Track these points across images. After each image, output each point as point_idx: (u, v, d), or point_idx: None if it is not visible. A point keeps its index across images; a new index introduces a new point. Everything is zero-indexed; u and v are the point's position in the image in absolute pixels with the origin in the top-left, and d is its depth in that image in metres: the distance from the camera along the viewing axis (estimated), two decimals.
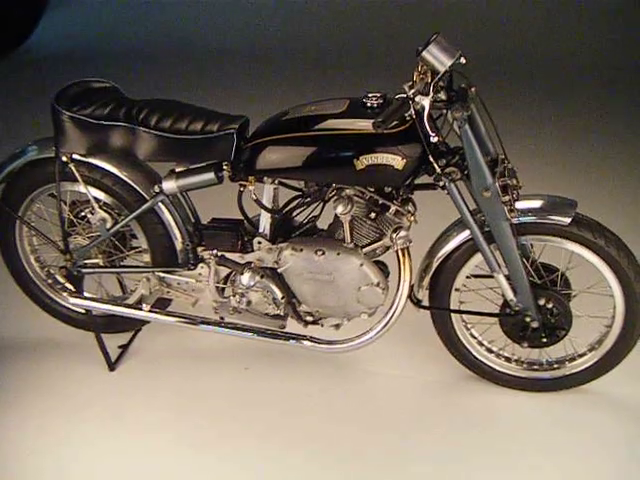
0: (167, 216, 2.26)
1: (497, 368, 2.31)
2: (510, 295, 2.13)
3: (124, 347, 2.57)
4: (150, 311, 2.35)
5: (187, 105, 2.21)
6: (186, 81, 5.58)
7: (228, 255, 2.23)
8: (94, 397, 2.36)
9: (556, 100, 4.98)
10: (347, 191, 2.05)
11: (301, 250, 2.12)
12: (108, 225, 2.31)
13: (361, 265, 2.09)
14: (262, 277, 2.19)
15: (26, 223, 2.44)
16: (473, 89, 1.89)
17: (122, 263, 2.47)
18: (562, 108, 4.83)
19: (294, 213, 2.19)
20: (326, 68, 5.80)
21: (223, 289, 2.31)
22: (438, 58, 1.79)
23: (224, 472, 2.08)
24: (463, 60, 1.83)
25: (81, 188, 2.28)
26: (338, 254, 2.09)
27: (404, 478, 2.04)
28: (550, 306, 2.13)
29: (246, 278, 2.18)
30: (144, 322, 2.54)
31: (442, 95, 1.89)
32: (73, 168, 2.22)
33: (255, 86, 5.46)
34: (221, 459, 2.11)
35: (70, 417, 2.27)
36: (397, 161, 1.91)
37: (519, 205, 2.00)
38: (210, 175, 2.12)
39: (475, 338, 2.31)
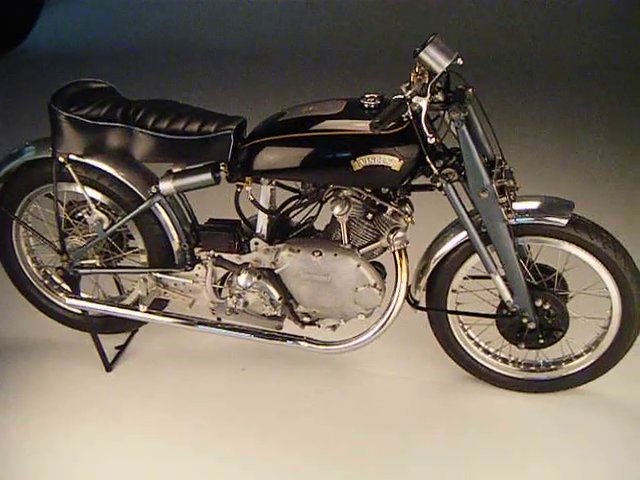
0: (164, 217, 2.26)
1: (494, 369, 2.31)
2: (507, 296, 2.13)
3: (121, 348, 2.57)
4: (147, 312, 2.35)
5: (184, 106, 2.21)
6: (184, 81, 5.57)
7: (225, 256, 2.23)
8: (92, 398, 2.36)
9: (555, 100, 4.97)
10: (344, 192, 2.05)
11: (298, 251, 2.12)
12: (105, 226, 2.31)
13: (358, 266, 2.09)
14: (259, 278, 2.19)
15: (23, 223, 2.44)
16: (470, 90, 1.89)
17: (119, 264, 2.47)
18: (561, 109, 4.83)
19: (291, 214, 2.19)
20: (324, 69, 5.79)
21: (220, 290, 2.31)
22: (435, 59, 1.79)
23: (223, 472, 2.08)
24: (460, 61, 1.83)
25: (78, 188, 2.28)
26: (335, 255, 2.09)
27: (403, 478, 2.04)
28: (547, 307, 2.13)
29: (243, 279, 2.17)
30: (141, 323, 2.54)
31: (439, 96, 1.89)
32: (70, 168, 2.22)
33: (253, 87, 5.46)
34: (220, 459, 2.11)
35: (70, 417, 2.27)
36: (394, 162, 1.91)
37: (516, 206, 2.00)
38: (207, 176, 2.12)
39: (472, 339, 2.31)
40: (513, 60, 5.67)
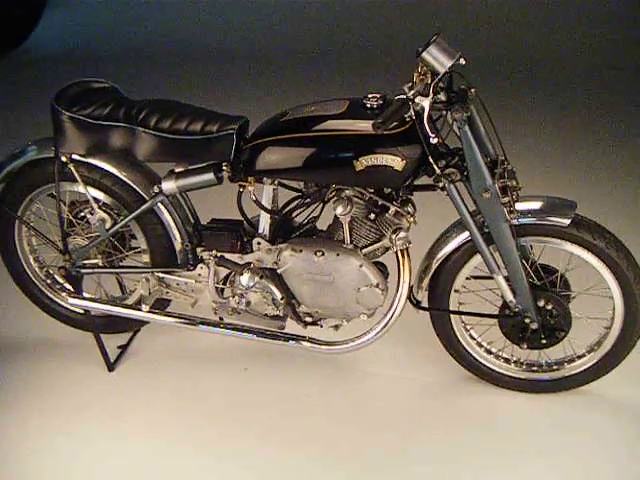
0: (166, 216, 2.26)
1: (496, 369, 2.31)
2: (509, 296, 2.13)
3: (123, 347, 2.57)
4: (149, 311, 2.35)
5: (186, 105, 2.21)
6: (186, 81, 5.57)
7: (227, 256, 2.23)
8: (93, 397, 2.36)
9: (556, 100, 4.98)
10: (347, 192, 2.05)
11: (300, 251, 2.12)
12: (107, 225, 2.31)
13: (360, 266, 2.09)
14: (261, 278, 2.19)
15: (25, 223, 2.44)
16: (473, 90, 1.89)
17: (121, 263, 2.47)
18: (562, 108, 4.83)
19: (293, 214, 2.19)
20: (326, 68, 5.80)
21: (222, 290, 2.31)
22: (438, 59, 1.79)
23: (224, 472, 2.08)
24: (463, 61, 1.83)
25: (80, 188, 2.28)
26: (337, 255, 2.09)
27: (404, 478, 2.04)
28: (549, 307, 2.13)
29: (245, 279, 2.18)
30: (143, 322, 2.54)
31: (442, 96, 1.89)
32: (72, 168, 2.22)
33: (255, 86, 5.46)
34: (221, 459, 2.11)
35: (70, 417, 2.27)
36: (397, 162, 1.91)
37: (518, 206, 2.00)
38: (210, 176, 2.12)
39: (474, 339, 2.31)
40: (514, 60, 5.67)
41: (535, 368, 2.30)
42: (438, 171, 1.94)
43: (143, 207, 2.23)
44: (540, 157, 4.03)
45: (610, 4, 6.00)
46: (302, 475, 2.06)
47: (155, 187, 2.21)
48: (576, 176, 3.80)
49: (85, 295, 2.49)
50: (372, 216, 2.07)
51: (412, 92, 1.82)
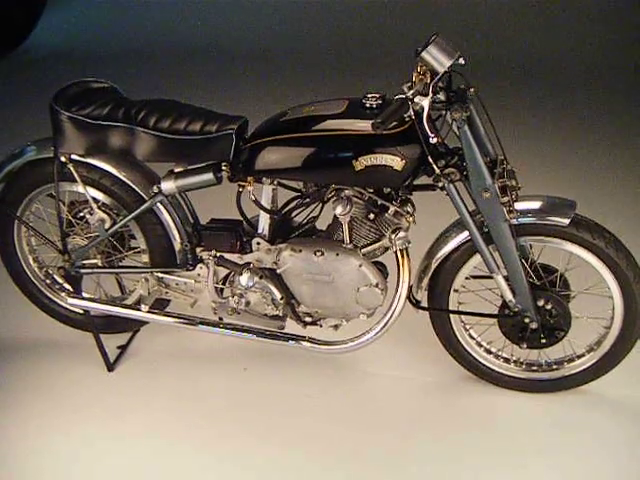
0: (166, 216, 2.26)
1: (496, 369, 2.31)
2: (509, 296, 2.13)
3: (123, 348, 2.57)
4: (149, 312, 2.35)
5: (186, 105, 2.21)
6: (186, 81, 5.57)
7: (227, 256, 2.23)
8: (93, 397, 2.36)
9: (556, 100, 4.97)
10: (346, 192, 2.05)
11: (300, 251, 2.12)
12: (107, 225, 2.31)
13: (360, 266, 2.09)
14: (261, 278, 2.19)
15: (25, 223, 2.44)
16: (472, 90, 1.89)
17: (121, 263, 2.47)
18: (562, 108, 4.83)
19: (293, 214, 2.19)
20: (326, 68, 5.80)
21: (222, 290, 2.31)
22: (437, 59, 1.79)
23: (224, 472, 2.08)
24: (462, 61, 1.83)
25: (80, 188, 2.28)
26: (337, 255, 2.09)
27: (404, 478, 2.04)
28: (549, 307, 2.13)
29: (245, 279, 2.18)
30: (143, 323, 2.54)
31: (441, 96, 1.89)
32: (72, 168, 2.22)
33: (255, 86, 5.46)
34: (221, 459, 2.11)
35: (69, 417, 2.27)
36: (396, 162, 1.91)
37: (518, 206, 2.00)
38: (209, 175, 2.12)
39: (474, 339, 2.31)
40: (514, 60, 5.67)
41: (535, 368, 2.30)
42: (437, 171, 1.94)
43: (142, 207, 2.23)
44: (540, 157, 4.03)
45: (610, 4, 6.00)
46: (302, 475, 2.06)
47: (154, 187, 2.21)
48: (576, 176, 3.80)
49: (84, 295, 2.49)
50: (371, 216, 2.07)
51: (411, 92, 1.82)
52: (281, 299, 2.20)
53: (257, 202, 2.13)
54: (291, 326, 2.29)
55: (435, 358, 2.42)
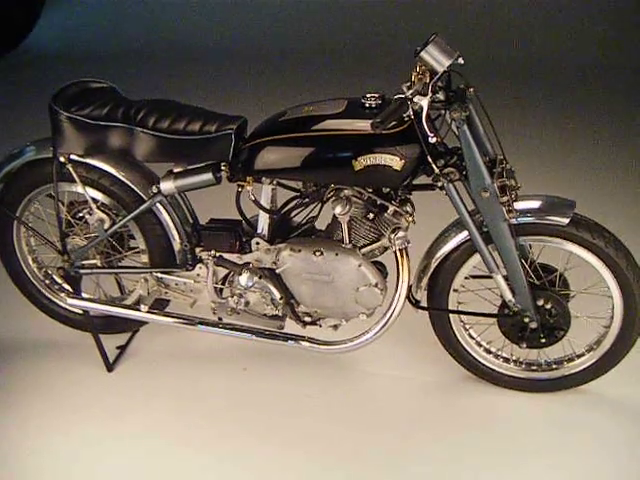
0: (165, 217, 2.26)
1: (496, 369, 2.31)
2: (509, 296, 2.12)
3: (122, 348, 2.57)
4: (148, 312, 2.35)
5: (185, 105, 2.21)
6: (185, 81, 5.57)
7: (226, 256, 2.23)
8: (92, 398, 2.36)
9: (556, 100, 4.97)
10: (345, 192, 2.05)
11: (299, 251, 2.12)
12: (106, 226, 2.31)
13: (359, 266, 2.09)
14: (260, 278, 2.19)
15: (24, 224, 2.44)
16: (471, 89, 1.89)
17: (120, 264, 2.46)
18: (561, 108, 4.83)
19: (292, 214, 2.19)
20: (325, 68, 5.80)
21: (221, 290, 2.31)
22: (436, 58, 1.79)
23: (224, 472, 2.08)
24: (461, 60, 1.83)
25: (79, 189, 2.28)
26: (336, 255, 2.09)
27: (404, 478, 2.04)
28: (548, 307, 2.13)
29: (244, 279, 2.17)
30: (142, 323, 2.54)
31: (440, 95, 1.89)
32: (71, 169, 2.22)
33: (254, 86, 5.46)
34: (221, 459, 2.11)
35: (69, 417, 2.27)
36: (395, 162, 1.91)
37: (517, 206, 2.00)
38: (208, 175, 2.11)
39: (473, 339, 2.31)
40: (515, 60, 5.67)
41: (534, 367, 2.30)
42: (437, 170, 1.94)
43: (142, 207, 2.23)
44: (539, 156, 4.03)
45: (610, 4, 6.00)
46: (302, 475, 2.06)
47: (154, 187, 2.21)
48: (576, 176, 3.80)
49: (84, 295, 2.49)
50: (371, 216, 2.07)
51: (411, 91, 1.81)
52: (280, 299, 2.20)
53: (256, 202, 2.12)
54: (290, 326, 2.29)
55: (435, 358, 2.42)
